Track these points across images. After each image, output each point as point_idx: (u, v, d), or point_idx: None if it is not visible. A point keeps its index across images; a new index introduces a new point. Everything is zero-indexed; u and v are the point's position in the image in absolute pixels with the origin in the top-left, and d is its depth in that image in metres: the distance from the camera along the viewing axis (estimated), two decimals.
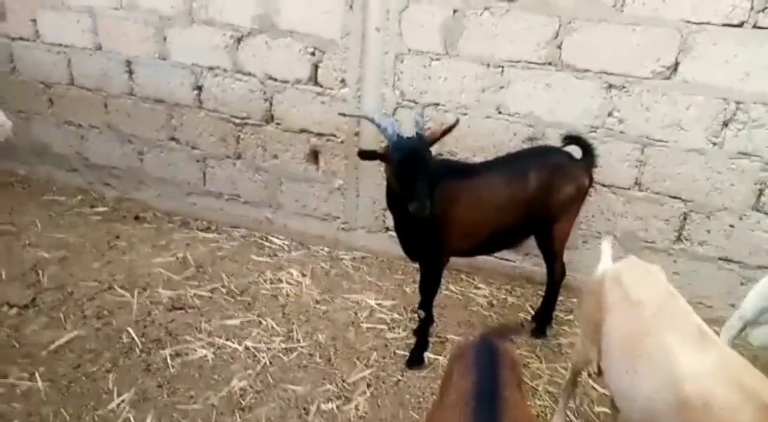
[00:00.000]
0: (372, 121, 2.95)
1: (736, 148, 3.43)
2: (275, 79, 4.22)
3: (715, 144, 3.46)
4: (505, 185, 3.23)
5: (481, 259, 3.95)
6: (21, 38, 4.83)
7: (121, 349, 3.43)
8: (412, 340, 3.54)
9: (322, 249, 4.55)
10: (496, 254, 4.03)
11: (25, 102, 5.07)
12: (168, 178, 4.86)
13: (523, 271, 4.16)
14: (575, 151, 3.43)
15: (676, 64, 3.36)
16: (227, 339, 3.54)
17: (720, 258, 3.70)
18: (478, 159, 3.80)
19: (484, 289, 4.13)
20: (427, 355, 3.44)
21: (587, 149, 3.37)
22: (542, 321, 3.68)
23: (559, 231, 3.41)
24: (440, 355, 3.47)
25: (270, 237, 4.64)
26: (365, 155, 2.95)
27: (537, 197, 3.22)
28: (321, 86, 4.12)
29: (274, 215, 4.65)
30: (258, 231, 4.70)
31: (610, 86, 3.53)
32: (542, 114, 3.72)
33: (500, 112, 3.81)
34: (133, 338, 3.50)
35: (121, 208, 5.02)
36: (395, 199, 3.04)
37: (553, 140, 3.73)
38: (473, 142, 3.89)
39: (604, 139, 3.65)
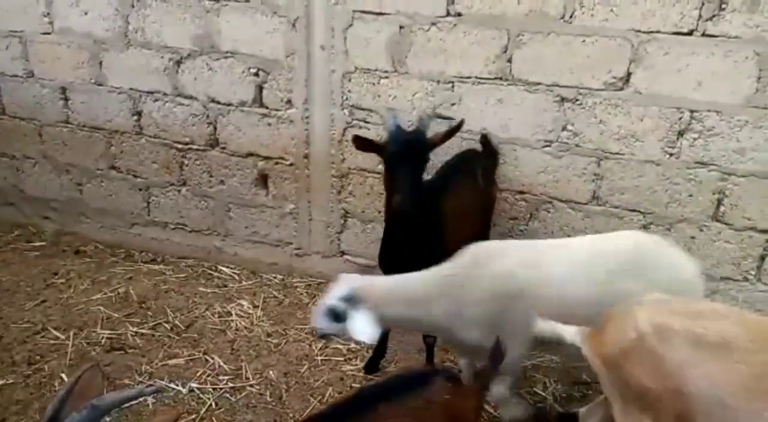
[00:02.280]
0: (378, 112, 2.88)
1: (692, 158, 3.36)
2: (218, 102, 4.03)
3: (671, 154, 3.39)
4: (470, 191, 3.21)
5: None
6: None
7: (52, 398, 3.15)
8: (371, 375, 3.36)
9: (274, 277, 4.32)
10: None
11: None
12: (110, 208, 4.60)
13: None
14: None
15: (628, 74, 3.28)
16: (170, 381, 3.29)
17: None
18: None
19: None
20: None
21: (491, 153, 3.50)
22: None
23: (488, 229, 3.59)
24: None
25: (219, 267, 4.40)
26: (361, 143, 2.79)
27: (483, 196, 3.34)
28: (267, 108, 3.95)
29: (222, 243, 4.42)
30: (206, 261, 4.46)
31: (563, 99, 3.44)
32: (495, 130, 3.60)
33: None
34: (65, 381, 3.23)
35: (61, 243, 4.73)
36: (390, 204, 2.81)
37: (507, 155, 3.62)
38: None
39: (559, 154, 3.55)
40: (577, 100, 3.42)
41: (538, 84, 3.45)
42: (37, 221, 4.87)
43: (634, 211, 3.56)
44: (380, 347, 3.36)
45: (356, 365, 3.45)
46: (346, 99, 3.78)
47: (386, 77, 3.67)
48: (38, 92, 4.43)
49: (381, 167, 3.21)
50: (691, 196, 3.43)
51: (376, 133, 3.76)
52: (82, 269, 4.36)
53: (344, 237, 4.13)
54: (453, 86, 3.59)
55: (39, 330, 3.68)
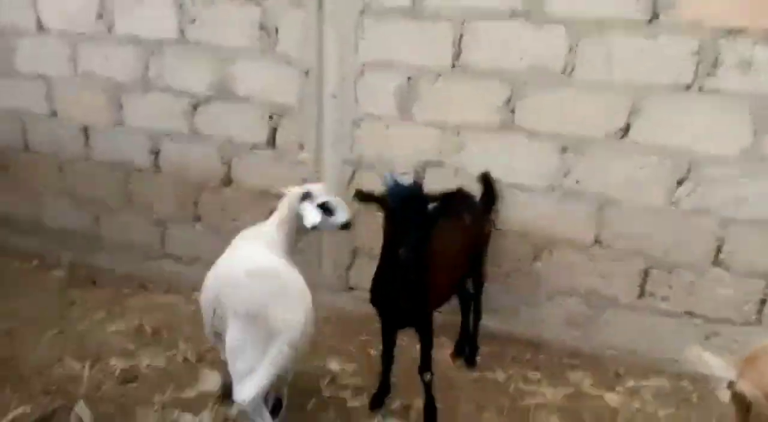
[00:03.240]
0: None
1: (691, 206, 3.46)
2: (233, 143, 4.19)
3: (671, 202, 3.49)
4: (456, 231, 3.29)
5: (448, 319, 3.91)
6: None
7: None
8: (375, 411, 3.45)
9: None
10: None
11: None
12: (125, 241, 4.75)
13: (486, 330, 4.08)
14: None
15: (628, 126, 3.41)
16: (182, 412, 3.39)
17: (685, 313, 3.68)
18: None
19: (450, 347, 4.04)
20: None
21: (489, 191, 3.69)
22: (472, 352, 3.88)
23: (484, 267, 3.73)
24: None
25: None
26: (362, 197, 2.91)
27: (473, 236, 3.45)
28: (279, 150, 4.10)
29: None
30: None
31: (564, 148, 3.56)
32: (500, 175, 3.73)
33: (457, 175, 3.81)
34: (81, 417, 3.33)
35: (78, 273, 4.87)
36: (388, 252, 2.94)
37: (511, 199, 3.75)
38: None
39: (561, 199, 3.67)
40: (578, 148, 3.55)
41: (539, 133, 3.58)
42: (55, 252, 5.02)
43: (636, 254, 3.66)
44: (383, 384, 3.45)
45: (362, 401, 3.53)
46: (356, 143, 3.93)
47: (395, 125, 3.82)
48: (60, 131, 4.63)
49: None
50: (690, 242, 3.52)
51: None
52: (98, 300, 4.49)
53: (353, 273, 4.25)
54: (458, 133, 3.73)
55: (56, 360, 3.79)
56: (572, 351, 3.97)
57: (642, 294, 3.73)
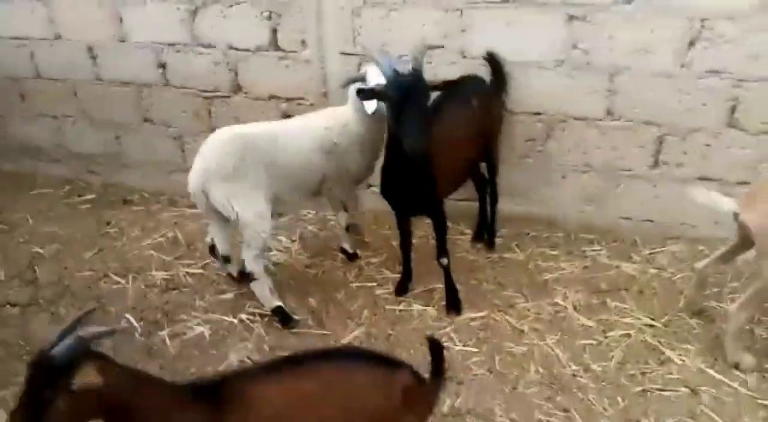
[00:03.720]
0: (372, 58, 2.96)
1: (704, 67, 3.37)
2: (236, 49, 4.15)
3: (683, 65, 3.40)
4: (463, 117, 3.32)
5: (464, 205, 3.99)
6: None
7: (120, 336, 3.54)
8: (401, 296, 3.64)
9: (309, 213, 4.59)
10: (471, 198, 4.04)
11: None
12: (148, 158, 4.88)
13: (503, 213, 4.16)
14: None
15: None
16: (222, 314, 3.64)
17: (699, 178, 3.69)
18: None
19: (469, 234, 4.16)
20: (415, 306, 3.54)
21: (498, 73, 3.61)
22: (491, 235, 3.98)
23: (496, 151, 3.72)
24: (428, 306, 3.55)
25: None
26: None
27: (483, 122, 3.43)
28: (282, 50, 4.06)
29: None
30: None
31: (572, 17, 3.44)
32: (507, 53, 3.65)
33: (464, 57, 3.74)
34: (132, 324, 3.61)
35: (108, 194, 5.07)
36: (393, 143, 3.00)
37: (521, 78, 3.69)
38: None
39: (571, 73, 3.60)
40: (586, 17, 3.43)
41: (546, 4, 3.45)
42: (84, 176, 5.20)
43: (649, 123, 3.62)
44: (406, 271, 3.63)
45: (388, 289, 3.73)
46: (358, 34, 3.85)
47: (395, 10, 3.72)
48: (68, 53, 4.62)
49: None
50: (704, 105, 3.46)
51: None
52: (131, 217, 4.70)
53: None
54: (461, 13, 3.62)
55: (101, 276, 4.05)
56: (588, 226, 4.05)
57: (656, 163, 3.73)
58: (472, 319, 3.45)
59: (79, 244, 4.41)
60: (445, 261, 3.38)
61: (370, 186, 4.36)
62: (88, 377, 1.67)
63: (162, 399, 1.88)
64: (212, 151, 3.18)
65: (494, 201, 3.91)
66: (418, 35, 3.73)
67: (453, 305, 3.48)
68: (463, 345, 3.27)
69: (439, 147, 2.97)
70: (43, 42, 4.63)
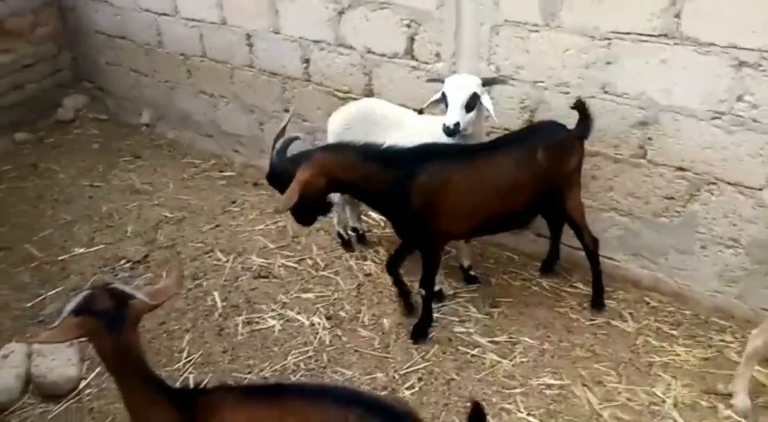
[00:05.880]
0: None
1: None
2: (374, 53, 4.10)
3: None
4: (514, 165, 3.14)
5: (578, 255, 3.56)
6: (164, 14, 5.26)
7: (203, 311, 3.68)
8: (479, 337, 3.35)
9: None
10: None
11: (170, 72, 5.56)
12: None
13: (628, 273, 3.65)
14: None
15: None
16: (298, 313, 3.62)
17: None
18: None
19: (581, 289, 3.70)
20: (490, 355, 3.21)
21: (584, 117, 3.22)
22: (597, 293, 3.53)
23: (571, 203, 3.33)
24: (505, 359, 3.21)
25: (369, 213, 4.59)
26: None
27: (547, 177, 3.16)
28: (416, 60, 3.93)
29: None
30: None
31: (741, 63, 2.87)
32: (656, 96, 3.16)
33: (606, 92, 3.31)
34: (215, 302, 3.73)
35: (245, 174, 5.32)
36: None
37: (668, 126, 3.17)
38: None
39: (731, 129, 3.01)
40: (760, 65, 2.83)
41: (712, 44, 2.91)
42: (229, 153, 5.53)
43: None
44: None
45: (468, 328, 3.43)
46: (494, 53, 3.59)
47: (536, 31, 3.40)
48: (229, 38, 4.92)
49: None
50: None
51: (522, 90, 3.56)
52: (254, 200, 4.89)
53: None
54: (609, 43, 3.20)
55: (208, 250, 4.25)
56: (724, 311, 3.38)
57: None
58: (549, 386, 3.05)
59: (202, 216, 4.68)
60: (423, 292, 3.32)
61: None
62: None
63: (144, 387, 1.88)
64: None
65: (592, 262, 3.47)
66: (558, 62, 3.38)
67: (418, 334, 3.37)
68: (527, 414, 2.90)
69: (459, 186, 3.04)
70: (211, 26, 4.97)
